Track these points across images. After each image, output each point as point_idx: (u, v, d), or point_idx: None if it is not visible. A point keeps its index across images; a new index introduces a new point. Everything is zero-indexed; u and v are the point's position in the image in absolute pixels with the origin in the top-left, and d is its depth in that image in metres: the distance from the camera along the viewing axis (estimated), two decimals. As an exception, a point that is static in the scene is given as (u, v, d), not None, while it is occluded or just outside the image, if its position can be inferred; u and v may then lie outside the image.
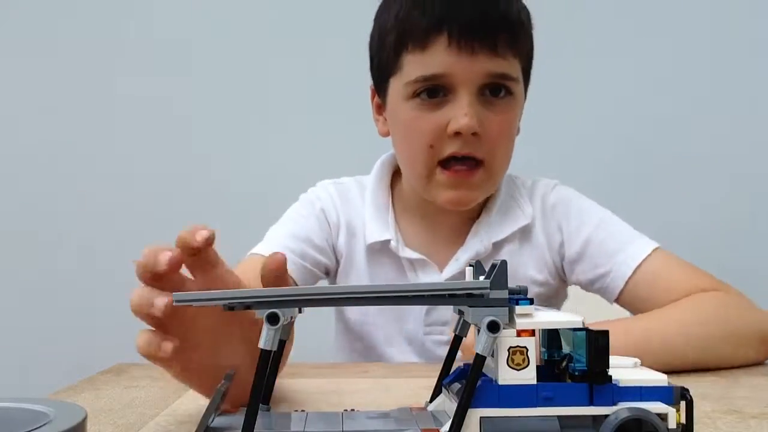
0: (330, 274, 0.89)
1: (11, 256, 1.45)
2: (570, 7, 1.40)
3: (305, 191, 0.95)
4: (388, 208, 0.88)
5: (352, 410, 0.42)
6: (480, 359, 0.36)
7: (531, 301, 0.37)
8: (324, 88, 1.41)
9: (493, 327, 0.36)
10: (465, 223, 0.87)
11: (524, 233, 0.87)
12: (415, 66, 0.78)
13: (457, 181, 0.79)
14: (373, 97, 0.89)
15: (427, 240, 0.87)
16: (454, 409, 0.39)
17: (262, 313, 0.35)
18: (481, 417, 0.36)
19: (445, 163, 0.79)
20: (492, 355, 0.37)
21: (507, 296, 0.37)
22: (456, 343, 0.43)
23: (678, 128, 1.41)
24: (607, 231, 0.85)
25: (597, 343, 0.36)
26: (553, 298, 0.90)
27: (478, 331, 0.40)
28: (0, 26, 1.46)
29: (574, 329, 0.37)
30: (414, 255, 0.85)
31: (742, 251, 1.40)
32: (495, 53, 0.76)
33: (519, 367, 0.37)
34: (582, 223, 0.86)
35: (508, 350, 0.37)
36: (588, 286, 0.87)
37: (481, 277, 0.40)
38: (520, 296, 0.38)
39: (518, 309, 0.37)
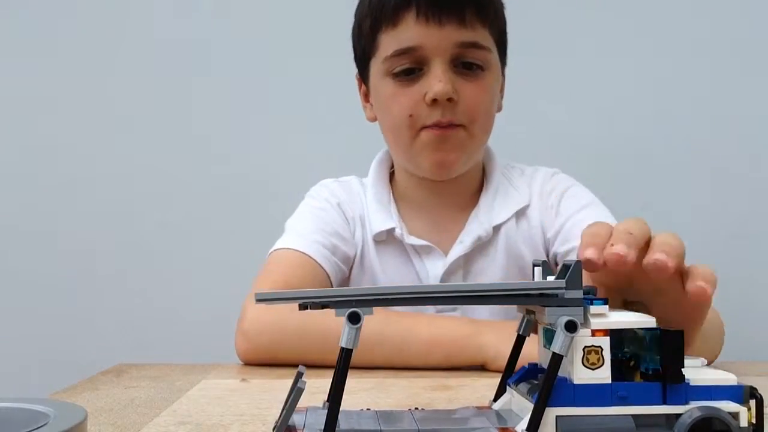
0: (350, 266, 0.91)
1: (11, 256, 1.43)
2: (570, 6, 1.41)
3: (303, 189, 0.97)
4: (390, 201, 0.92)
5: (416, 409, 0.42)
6: (557, 358, 0.36)
7: (605, 301, 0.38)
8: (324, 88, 1.40)
9: (571, 327, 0.36)
10: (464, 209, 0.91)
11: (520, 214, 0.90)
12: (389, 42, 0.83)
13: (438, 137, 0.83)
14: (360, 86, 0.94)
15: (429, 228, 0.90)
16: (524, 407, 0.39)
17: (342, 313, 0.35)
18: (556, 416, 0.36)
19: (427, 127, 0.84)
20: (565, 355, 0.37)
21: (582, 296, 0.37)
22: (519, 342, 0.43)
23: (678, 128, 1.42)
24: (587, 213, 0.88)
25: (672, 342, 0.37)
26: None
27: (545, 331, 0.41)
28: (0, 26, 1.44)
29: (647, 329, 0.38)
30: (419, 242, 0.88)
31: (741, 251, 1.41)
32: (463, 24, 0.81)
33: (594, 366, 0.37)
34: (569, 203, 0.90)
35: (583, 350, 0.37)
36: (560, 260, 0.89)
37: (550, 277, 0.41)
38: (593, 296, 0.38)
39: (592, 309, 0.38)
